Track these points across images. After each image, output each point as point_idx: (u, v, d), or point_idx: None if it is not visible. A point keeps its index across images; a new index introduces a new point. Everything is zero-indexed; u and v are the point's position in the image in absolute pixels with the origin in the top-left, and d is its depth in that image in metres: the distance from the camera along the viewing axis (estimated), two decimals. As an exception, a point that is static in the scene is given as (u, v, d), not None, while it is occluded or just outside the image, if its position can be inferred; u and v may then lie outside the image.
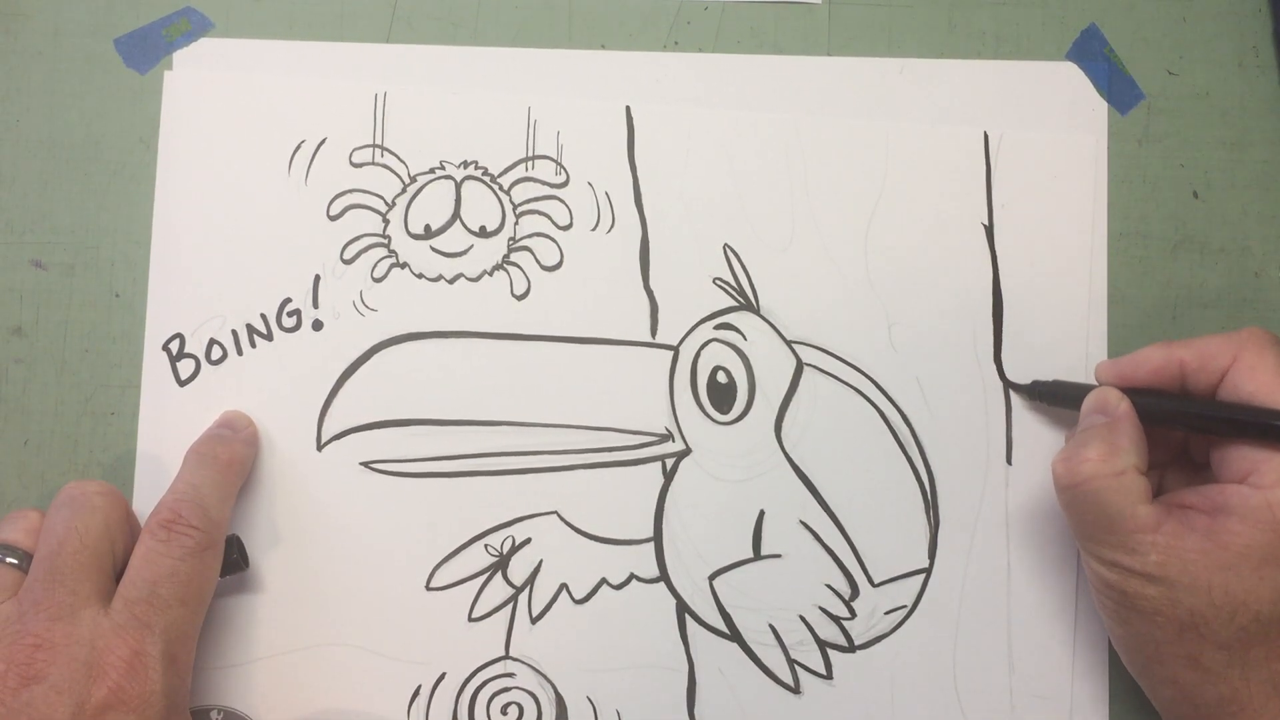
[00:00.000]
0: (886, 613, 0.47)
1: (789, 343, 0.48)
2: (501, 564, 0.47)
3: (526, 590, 0.47)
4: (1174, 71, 0.49)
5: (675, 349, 0.48)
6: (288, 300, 0.48)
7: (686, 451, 0.47)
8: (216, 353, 0.47)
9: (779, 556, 0.47)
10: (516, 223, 0.48)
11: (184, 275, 0.48)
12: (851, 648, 0.47)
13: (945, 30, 0.49)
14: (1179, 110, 0.49)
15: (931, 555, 0.47)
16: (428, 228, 0.48)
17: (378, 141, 0.48)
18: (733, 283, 0.48)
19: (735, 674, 0.47)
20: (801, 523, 0.47)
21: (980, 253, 0.48)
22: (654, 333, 0.48)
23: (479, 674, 0.47)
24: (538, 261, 0.48)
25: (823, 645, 0.47)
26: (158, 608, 0.40)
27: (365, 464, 0.47)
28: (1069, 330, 0.48)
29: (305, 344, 0.48)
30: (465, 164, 0.48)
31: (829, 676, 0.47)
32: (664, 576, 0.47)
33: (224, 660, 0.46)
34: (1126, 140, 0.49)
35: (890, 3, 0.49)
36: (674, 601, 0.47)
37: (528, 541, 0.47)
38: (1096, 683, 0.46)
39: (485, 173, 0.48)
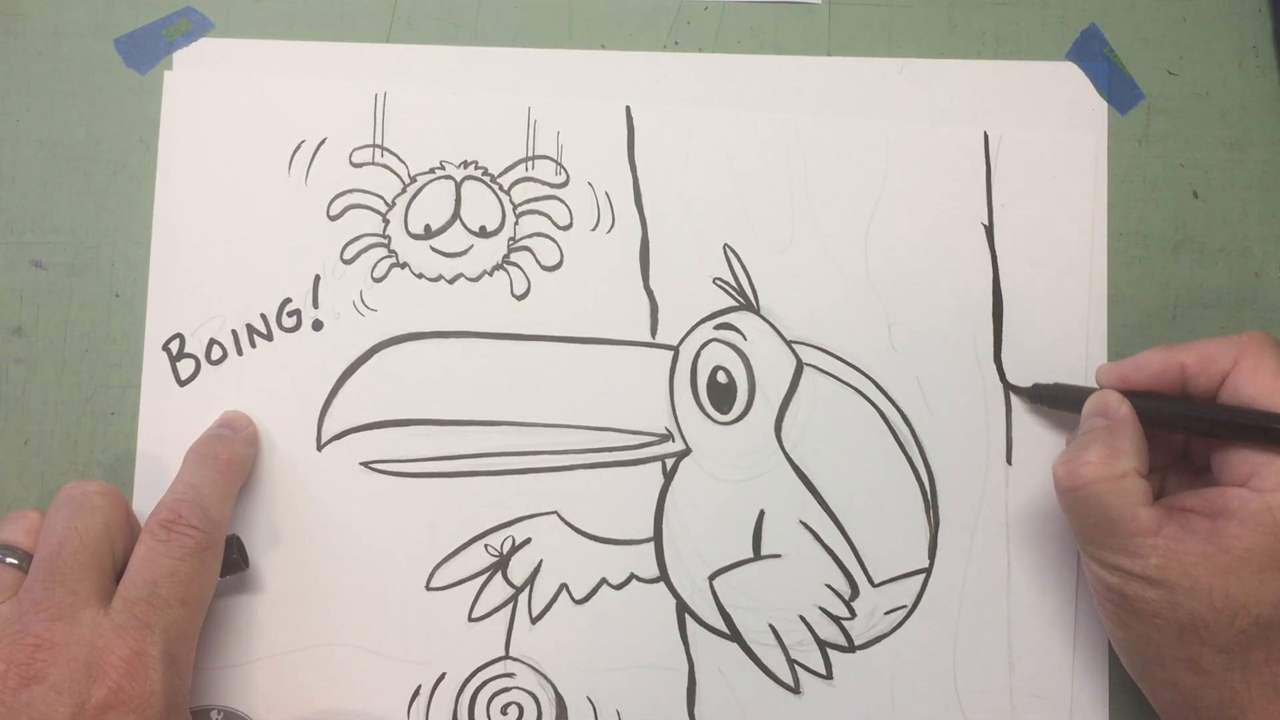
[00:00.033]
0: (886, 613, 0.47)
1: (789, 343, 0.48)
2: (501, 564, 0.47)
3: (526, 590, 0.47)
4: (1174, 71, 0.49)
5: (675, 349, 0.48)
6: (288, 300, 0.48)
7: (686, 451, 0.47)
8: (216, 353, 0.47)
9: (779, 556, 0.47)
10: (516, 223, 0.48)
11: (184, 275, 0.48)
12: (851, 648, 0.47)
13: (945, 30, 0.49)
14: (1179, 110, 0.49)
15: (931, 555, 0.47)
16: (428, 228, 0.48)
17: (378, 141, 0.48)
18: (733, 283, 0.48)
19: (735, 674, 0.47)
20: (801, 523, 0.47)
21: (980, 253, 0.48)
22: (654, 333, 0.48)
23: (479, 674, 0.47)
24: (538, 261, 0.48)
25: (823, 645, 0.47)
26: (158, 608, 0.40)
27: (365, 464, 0.47)
28: (1069, 330, 0.48)
29: (305, 344, 0.48)
30: (465, 164, 0.48)
31: (829, 676, 0.47)
32: (664, 576, 0.47)
33: (224, 660, 0.46)
34: (1126, 140, 0.49)
35: (890, 3, 0.49)
36: (674, 601, 0.47)
37: (528, 541, 0.47)
38: (1096, 683, 0.46)
39: (485, 173, 0.48)
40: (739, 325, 0.48)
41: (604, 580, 0.47)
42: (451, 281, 0.48)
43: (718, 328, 0.48)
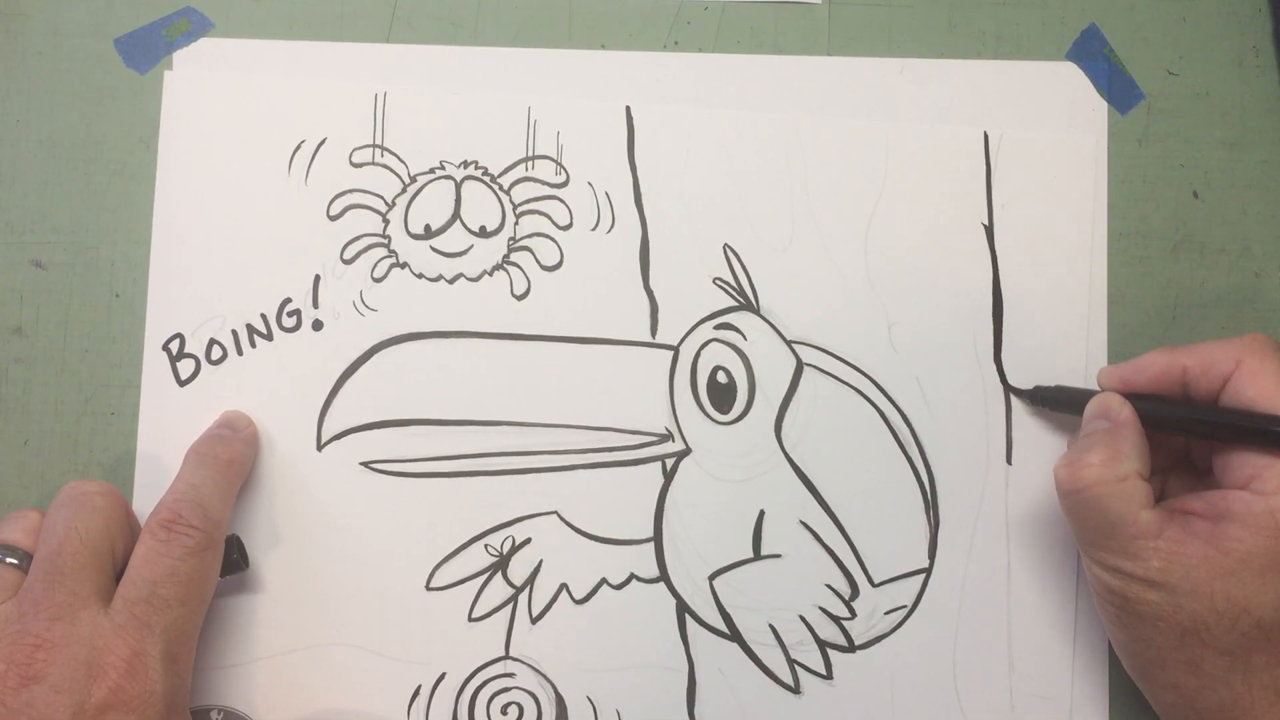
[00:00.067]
0: (886, 613, 0.47)
1: (789, 343, 0.48)
2: (501, 564, 0.47)
3: (526, 590, 0.47)
4: (1174, 71, 0.49)
5: (675, 349, 0.48)
6: (288, 300, 0.48)
7: (686, 451, 0.47)
8: (216, 353, 0.47)
9: (779, 556, 0.47)
10: (516, 223, 0.48)
11: (184, 275, 0.48)
12: (851, 648, 0.47)
13: (945, 30, 0.49)
14: (1179, 110, 0.49)
15: (931, 555, 0.47)
16: (428, 228, 0.48)
17: (378, 141, 0.48)
18: (733, 283, 0.48)
19: (735, 674, 0.47)
20: (801, 523, 0.47)
21: (980, 253, 0.48)
22: (654, 333, 0.48)
23: (479, 674, 0.47)
24: (538, 261, 0.48)
25: (823, 645, 0.47)
26: (158, 608, 0.40)
27: (365, 464, 0.47)
28: (1069, 330, 0.48)
29: (305, 344, 0.48)
30: (465, 164, 0.48)
31: (829, 676, 0.47)
32: (664, 576, 0.47)
33: (224, 660, 0.46)
34: (1126, 140, 0.49)
35: (890, 3, 0.49)
36: (674, 601, 0.47)
37: (528, 541, 0.47)
38: (1096, 683, 0.46)
39: (485, 173, 0.48)
40: (739, 325, 0.48)
41: (604, 580, 0.47)
42: (451, 281, 0.48)
43: (718, 328, 0.48)
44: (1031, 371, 0.47)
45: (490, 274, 0.48)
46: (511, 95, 0.48)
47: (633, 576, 0.47)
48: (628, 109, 0.48)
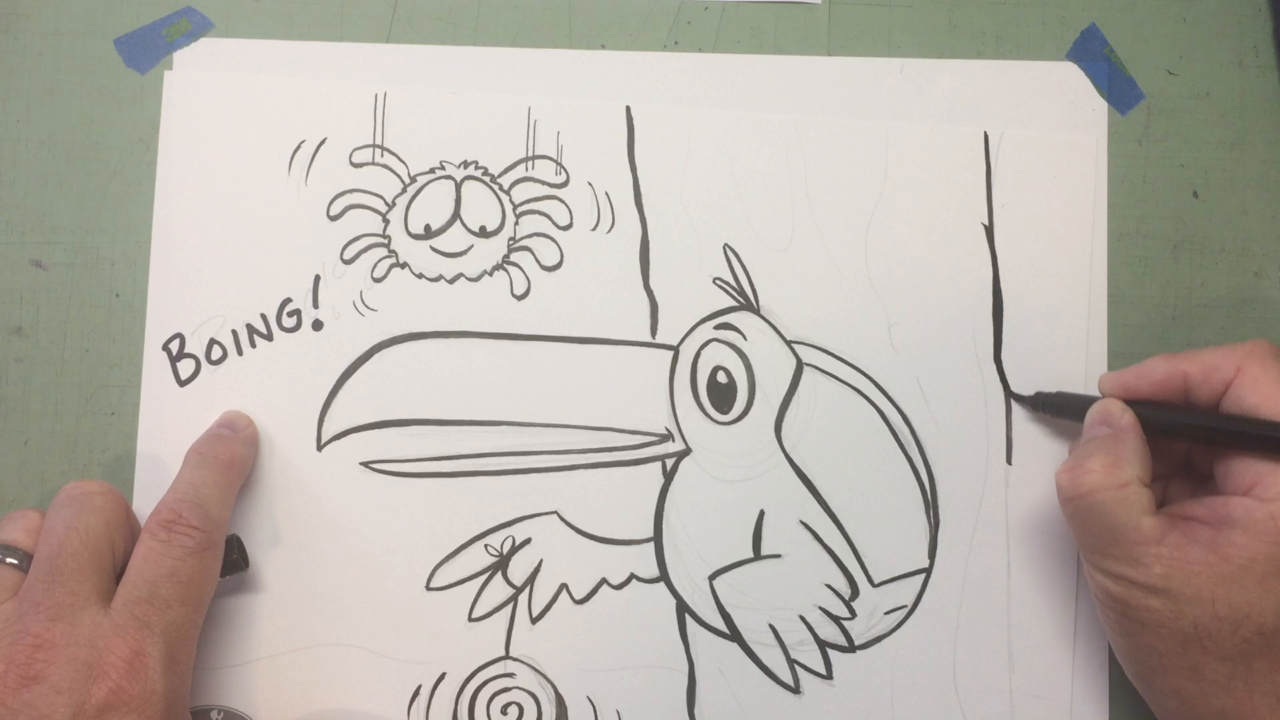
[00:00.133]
0: (886, 613, 0.47)
1: (789, 343, 0.48)
2: (501, 564, 0.47)
3: (526, 590, 0.47)
4: (1174, 71, 0.49)
5: (675, 349, 0.48)
6: (288, 300, 0.48)
7: (686, 451, 0.47)
8: (216, 353, 0.47)
9: (779, 556, 0.47)
10: (516, 223, 0.48)
11: (184, 275, 0.48)
12: (851, 648, 0.47)
13: (945, 30, 0.49)
14: (1179, 110, 0.49)
15: (931, 555, 0.47)
16: (428, 228, 0.48)
17: (378, 141, 0.48)
18: (733, 283, 0.48)
19: (735, 674, 0.47)
20: (801, 523, 0.47)
21: (980, 253, 0.48)
22: (654, 333, 0.48)
23: (479, 674, 0.47)
24: (538, 261, 0.48)
25: (823, 645, 0.47)
26: (158, 608, 0.40)
27: (365, 464, 0.47)
28: (1069, 330, 0.48)
29: (305, 344, 0.48)
30: (465, 164, 0.48)
31: (829, 676, 0.47)
32: (664, 576, 0.47)
33: (224, 660, 0.46)
34: (1126, 140, 0.49)
35: (890, 3, 0.49)
36: (674, 601, 0.47)
37: (528, 541, 0.47)
38: (1096, 683, 0.46)
39: (485, 173, 0.48)
40: (739, 325, 0.48)
41: (604, 580, 0.47)
42: (451, 281, 0.48)
43: (718, 328, 0.48)
44: (1031, 371, 0.47)
45: (490, 274, 0.48)
46: (511, 95, 0.48)
47: (633, 576, 0.47)
48: (628, 109, 0.48)
